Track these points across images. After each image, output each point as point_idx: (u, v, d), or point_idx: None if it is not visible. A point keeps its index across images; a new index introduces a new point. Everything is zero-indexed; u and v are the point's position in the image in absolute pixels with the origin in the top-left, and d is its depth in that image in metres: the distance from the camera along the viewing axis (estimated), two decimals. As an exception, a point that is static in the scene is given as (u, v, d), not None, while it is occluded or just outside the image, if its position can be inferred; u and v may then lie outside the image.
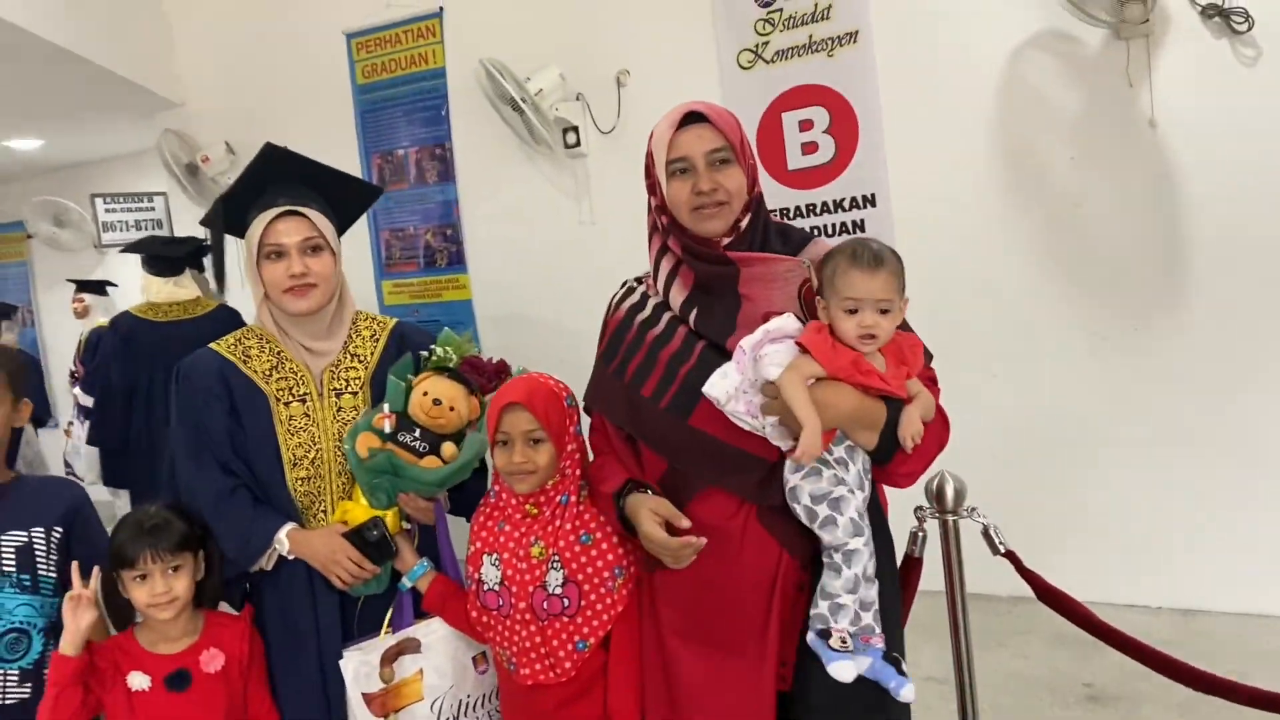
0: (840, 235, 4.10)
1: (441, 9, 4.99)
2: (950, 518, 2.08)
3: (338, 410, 2.03)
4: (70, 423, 5.10)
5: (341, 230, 2.16)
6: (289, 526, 1.96)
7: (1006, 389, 3.93)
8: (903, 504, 1.93)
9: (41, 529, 1.97)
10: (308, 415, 2.02)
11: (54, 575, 1.98)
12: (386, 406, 1.99)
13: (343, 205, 2.15)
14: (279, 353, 2.04)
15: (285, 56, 5.47)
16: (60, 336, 7.63)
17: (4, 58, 4.96)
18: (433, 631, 2.04)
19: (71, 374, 5.67)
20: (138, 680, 1.87)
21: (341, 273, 2.08)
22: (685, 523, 1.64)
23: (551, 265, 4.83)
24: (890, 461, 1.61)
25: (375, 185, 2.25)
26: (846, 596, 1.53)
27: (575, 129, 4.61)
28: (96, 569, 1.89)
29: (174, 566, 1.88)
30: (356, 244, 5.28)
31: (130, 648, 1.90)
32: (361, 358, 2.09)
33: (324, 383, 2.05)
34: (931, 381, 1.69)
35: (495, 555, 1.91)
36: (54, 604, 1.95)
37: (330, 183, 2.11)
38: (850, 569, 1.54)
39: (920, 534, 2.10)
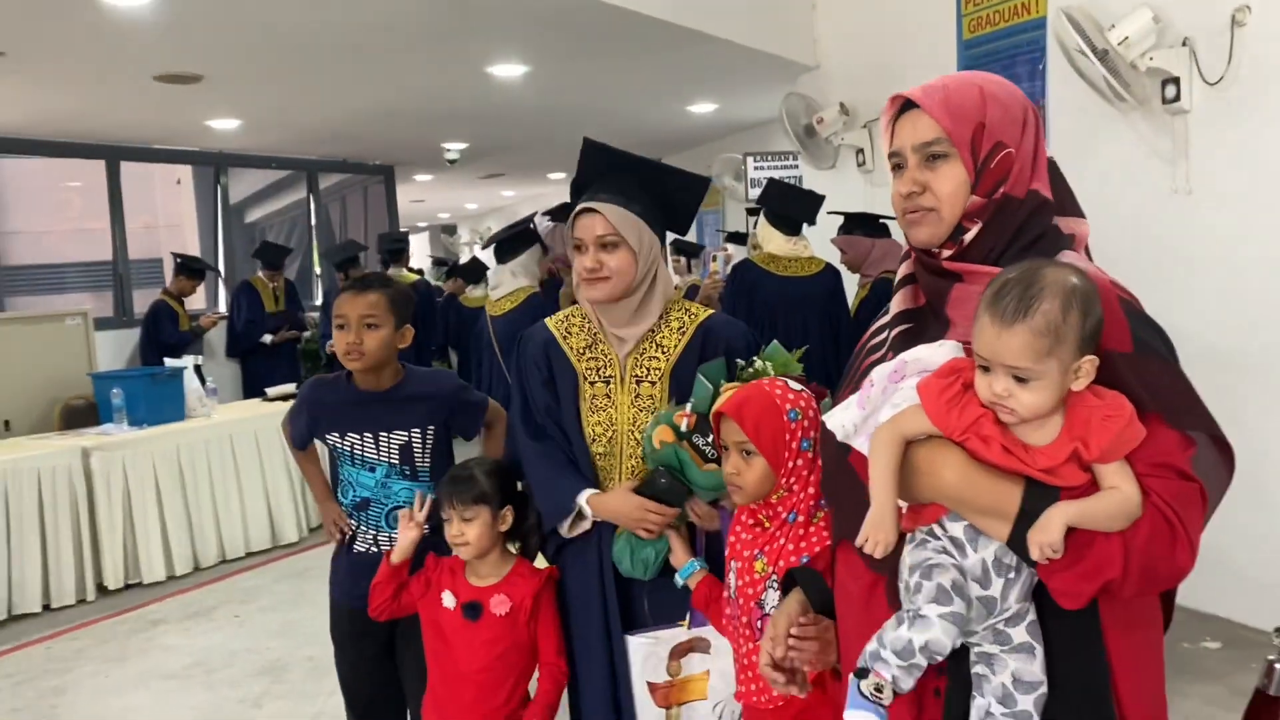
0: None
1: (1054, -53, 4.53)
2: (1318, 658, 1.45)
3: (635, 396, 2.12)
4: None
5: (679, 222, 2.21)
6: (588, 493, 2.09)
7: None
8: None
9: (418, 429, 2.41)
10: (609, 397, 2.13)
11: (428, 464, 2.42)
12: (689, 405, 2.01)
13: (672, 195, 2.17)
14: (595, 333, 2.17)
15: (902, 12, 5.44)
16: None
17: (690, 49, 5.87)
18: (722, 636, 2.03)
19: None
20: (448, 599, 2.19)
21: (655, 263, 2.12)
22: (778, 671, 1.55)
23: (1137, 239, 4.16)
24: (1034, 568, 1.20)
25: (701, 176, 2.22)
26: (890, 655, 1.21)
27: (1175, 81, 3.88)
28: (430, 498, 2.26)
29: (466, 516, 2.14)
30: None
31: (456, 570, 2.23)
32: (665, 349, 2.13)
33: (627, 368, 2.13)
34: (1174, 475, 1.18)
35: (736, 563, 1.86)
36: (430, 488, 2.36)
37: (648, 173, 2.15)
38: (908, 631, 1.20)
39: (1278, 667, 1.50)
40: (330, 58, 5.82)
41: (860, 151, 5.81)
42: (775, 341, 2.03)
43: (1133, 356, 1.21)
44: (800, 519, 1.75)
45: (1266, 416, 3.77)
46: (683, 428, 2.00)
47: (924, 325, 1.43)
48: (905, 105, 1.40)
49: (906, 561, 1.26)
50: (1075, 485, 1.17)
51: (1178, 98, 3.88)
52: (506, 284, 4.33)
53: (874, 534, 1.23)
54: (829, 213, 4.88)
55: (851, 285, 4.83)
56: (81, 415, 6.00)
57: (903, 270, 1.51)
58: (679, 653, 2.07)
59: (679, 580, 2.05)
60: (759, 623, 1.76)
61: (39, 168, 14.17)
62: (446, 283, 10.62)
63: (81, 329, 6.71)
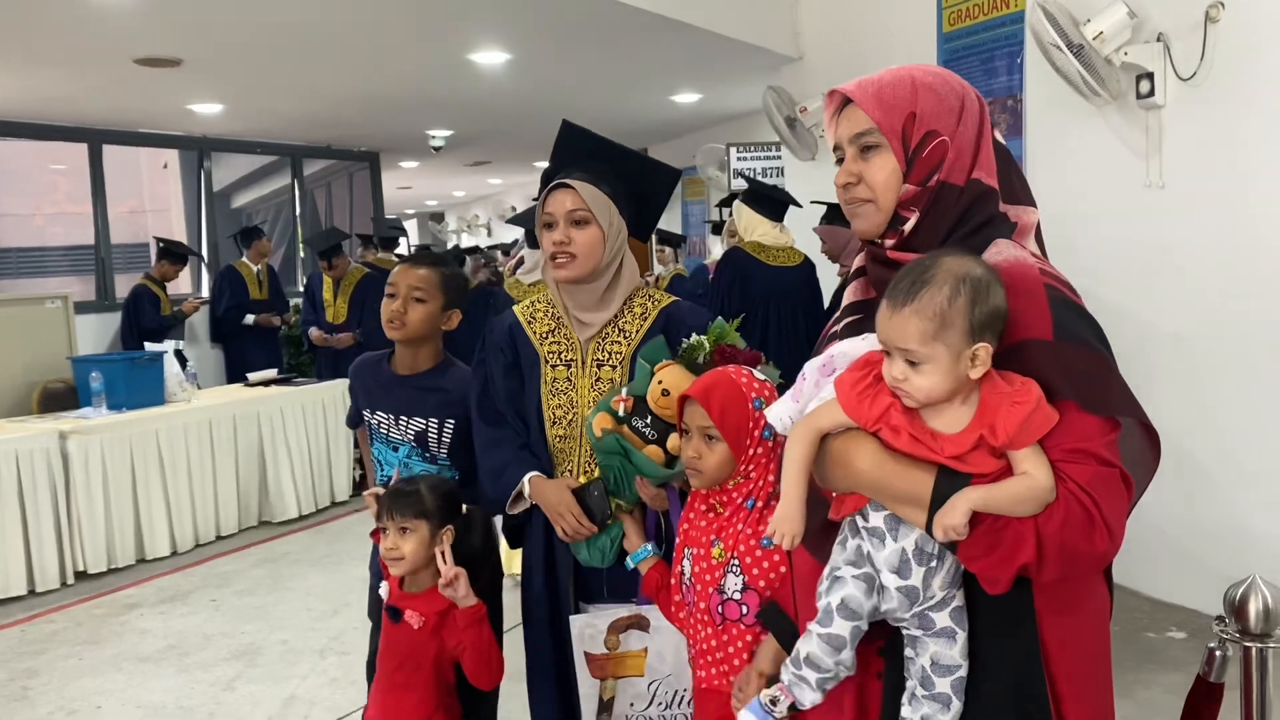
0: None
1: (1034, -59, 4.54)
2: (1254, 644, 1.47)
3: (596, 380, 2.14)
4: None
5: (649, 214, 2.23)
6: (534, 474, 2.13)
7: None
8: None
9: (436, 420, 2.43)
10: (570, 380, 2.15)
11: (445, 453, 2.45)
12: (625, 390, 2.03)
13: (643, 185, 2.20)
14: (558, 318, 2.19)
15: (884, 5, 5.46)
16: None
17: (673, 39, 5.90)
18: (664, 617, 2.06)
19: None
20: (383, 589, 2.25)
21: (621, 248, 2.14)
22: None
23: (1110, 233, 4.19)
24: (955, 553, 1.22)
25: (671, 167, 2.25)
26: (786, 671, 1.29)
27: (1149, 76, 3.90)
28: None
29: (403, 528, 2.14)
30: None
31: None
32: (627, 333, 2.15)
33: (588, 352, 2.16)
34: (1092, 460, 1.19)
35: (690, 549, 1.88)
36: (452, 474, 2.41)
37: (622, 160, 2.18)
38: (803, 648, 1.27)
39: (1220, 655, 1.53)
40: (310, 43, 5.80)
41: (842, 143, 5.84)
42: (719, 319, 2.03)
43: (1052, 344, 1.22)
44: (759, 505, 1.78)
45: (1235, 411, 3.81)
46: (620, 412, 2.01)
47: (872, 316, 1.46)
48: (846, 100, 1.43)
49: (833, 557, 1.31)
50: (987, 472, 1.19)
51: (1152, 93, 3.91)
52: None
53: (781, 526, 1.27)
54: (811, 202, 4.90)
55: (831, 277, 4.86)
56: (60, 398, 5.99)
57: (857, 262, 1.53)
58: (618, 628, 2.11)
59: (630, 564, 2.08)
60: (719, 608, 1.78)
61: (25, 150, 14.09)
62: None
63: (62, 312, 6.68)
